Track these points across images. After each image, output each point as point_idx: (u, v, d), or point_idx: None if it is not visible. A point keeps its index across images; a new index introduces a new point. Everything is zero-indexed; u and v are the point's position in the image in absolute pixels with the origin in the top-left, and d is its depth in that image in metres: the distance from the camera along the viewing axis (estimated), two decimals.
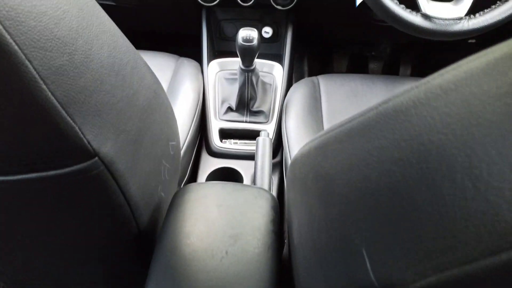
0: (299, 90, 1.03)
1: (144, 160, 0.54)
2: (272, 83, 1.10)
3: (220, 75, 1.12)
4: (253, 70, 0.98)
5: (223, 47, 1.26)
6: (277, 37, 1.25)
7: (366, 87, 1.05)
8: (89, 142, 0.41)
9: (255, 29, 0.93)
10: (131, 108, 0.48)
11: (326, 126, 0.98)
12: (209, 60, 1.14)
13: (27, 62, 0.32)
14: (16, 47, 0.31)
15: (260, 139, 0.81)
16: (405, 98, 0.27)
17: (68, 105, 0.37)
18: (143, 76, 0.52)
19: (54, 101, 0.36)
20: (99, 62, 0.41)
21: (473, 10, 0.83)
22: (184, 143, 0.93)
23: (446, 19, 0.81)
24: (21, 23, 0.32)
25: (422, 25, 0.81)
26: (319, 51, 1.69)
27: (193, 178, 1.01)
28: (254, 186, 0.62)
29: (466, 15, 0.82)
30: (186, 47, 1.31)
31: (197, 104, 1.02)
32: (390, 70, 1.67)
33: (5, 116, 0.35)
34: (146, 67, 0.54)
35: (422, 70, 1.66)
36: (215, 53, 1.25)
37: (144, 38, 1.56)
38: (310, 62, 1.69)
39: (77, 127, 0.39)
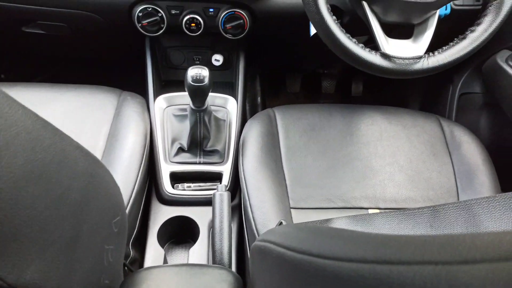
0: (255, 126, 0.97)
1: (82, 260, 0.45)
2: (226, 119, 1.02)
3: (169, 111, 1.03)
4: (205, 110, 0.90)
5: (170, 76, 1.17)
6: (228, 64, 1.17)
7: (324, 119, 1.01)
8: (3, 279, 0.32)
9: (205, 68, 0.85)
10: (60, 211, 0.39)
11: (286, 164, 0.92)
12: (155, 95, 1.05)
13: None
14: None
15: (217, 194, 0.74)
16: (416, 278, 0.21)
17: None
18: (74, 164, 0.43)
19: None
20: (12, 177, 0.32)
21: (431, 47, 0.80)
22: (132, 194, 0.84)
23: (405, 58, 0.77)
24: None
25: (382, 64, 0.77)
26: (270, 70, 1.64)
27: (143, 231, 0.92)
28: (214, 266, 0.55)
29: (425, 53, 0.79)
30: (129, 76, 1.21)
31: (145, 146, 0.93)
32: (343, 87, 1.65)
33: None
34: (77, 151, 0.45)
35: (372, 85, 1.65)
36: (162, 83, 1.15)
37: (81, 66, 1.43)
38: (262, 81, 1.63)
39: None
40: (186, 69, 1.12)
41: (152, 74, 1.07)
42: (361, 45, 0.77)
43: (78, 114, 0.95)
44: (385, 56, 0.77)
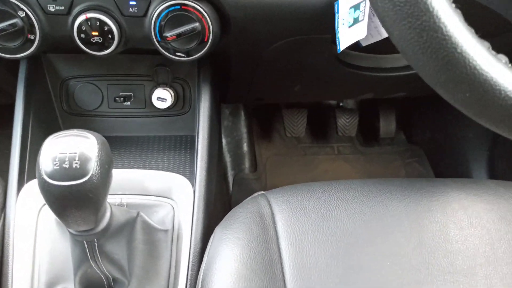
0: (231, 243, 0.45)
1: None
2: (169, 227, 0.49)
3: (49, 214, 0.49)
4: (103, 232, 0.38)
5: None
6: (182, 105, 0.66)
7: (373, 217, 0.50)
8: None
9: (91, 136, 0.34)
10: None
11: None
12: (23, 178, 0.52)
13: None
14: None
15: None
16: None
17: None
18: None
19: None
20: None
21: None
22: None
23: None
24: None
25: None
26: (259, 104, 1.13)
27: None
28: None
29: None
30: None
31: None
32: (367, 125, 1.14)
33: None
34: None
35: (409, 122, 1.14)
36: None
37: None
38: (248, 118, 1.12)
39: None
40: (104, 116, 0.63)
41: (21, 134, 0.54)
42: None
43: None
44: None
